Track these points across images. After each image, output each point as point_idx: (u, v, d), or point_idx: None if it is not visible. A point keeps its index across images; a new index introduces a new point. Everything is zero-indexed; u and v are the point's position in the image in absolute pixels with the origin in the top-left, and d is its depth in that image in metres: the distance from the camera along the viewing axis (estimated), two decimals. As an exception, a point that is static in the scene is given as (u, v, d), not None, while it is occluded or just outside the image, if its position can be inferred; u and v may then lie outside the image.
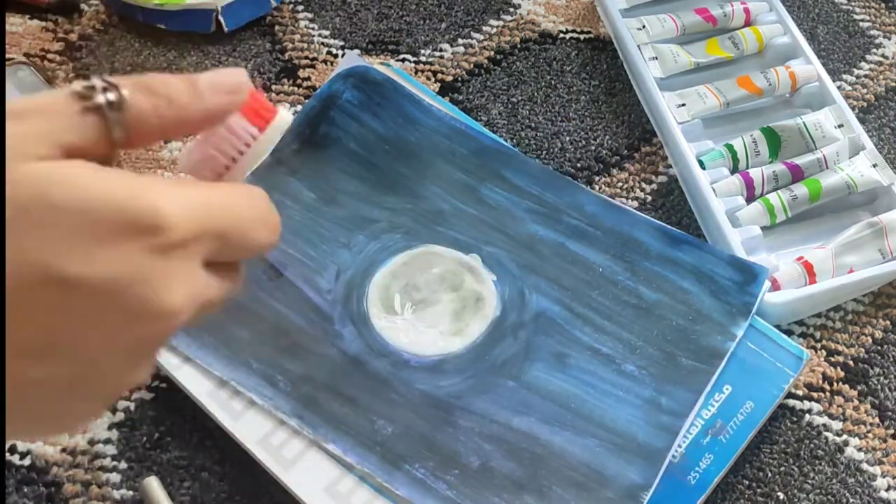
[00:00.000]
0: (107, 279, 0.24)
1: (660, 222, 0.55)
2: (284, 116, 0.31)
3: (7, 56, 0.62)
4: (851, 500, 0.49)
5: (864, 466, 0.50)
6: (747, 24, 0.66)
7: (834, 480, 0.50)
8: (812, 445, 0.51)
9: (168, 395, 0.50)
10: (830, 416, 0.52)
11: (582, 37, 0.68)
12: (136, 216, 0.25)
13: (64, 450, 0.48)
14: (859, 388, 0.53)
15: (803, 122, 0.60)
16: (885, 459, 0.51)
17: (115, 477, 0.48)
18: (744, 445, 0.48)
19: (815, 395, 0.53)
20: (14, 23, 0.65)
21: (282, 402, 0.47)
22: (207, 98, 0.29)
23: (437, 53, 0.66)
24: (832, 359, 0.54)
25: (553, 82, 0.65)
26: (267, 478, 0.46)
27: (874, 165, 0.58)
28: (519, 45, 0.67)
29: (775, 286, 0.53)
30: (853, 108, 0.63)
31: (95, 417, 0.33)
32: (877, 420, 0.52)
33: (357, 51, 0.66)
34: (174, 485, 0.47)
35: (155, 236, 0.25)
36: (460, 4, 0.69)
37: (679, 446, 0.48)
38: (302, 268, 0.52)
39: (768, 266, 0.53)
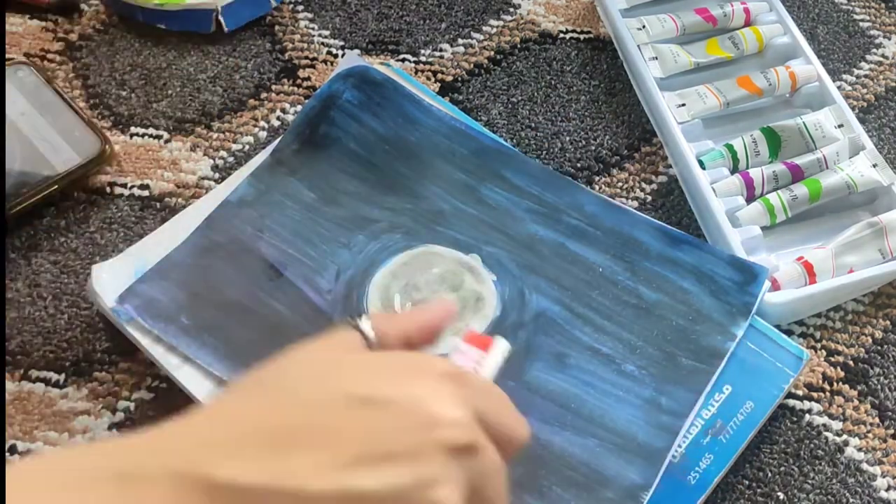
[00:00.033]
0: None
1: (660, 222, 0.55)
2: (502, 342, 0.38)
3: (7, 56, 0.62)
4: (851, 500, 0.49)
5: (864, 466, 0.50)
6: (747, 24, 0.66)
7: (834, 480, 0.50)
8: (812, 445, 0.51)
9: (168, 395, 0.50)
10: (830, 416, 0.52)
11: (582, 37, 0.68)
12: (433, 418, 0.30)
13: (64, 450, 0.48)
14: (859, 388, 0.53)
15: (803, 122, 0.60)
16: (885, 459, 0.51)
17: (115, 477, 0.48)
18: (744, 445, 0.48)
19: (815, 395, 0.53)
20: (14, 23, 0.65)
21: (282, 402, 0.47)
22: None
23: (437, 53, 0.66)
24: (832, 359, 0.54)
25: (553, 82, 0.65)
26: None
27: (874, 165, 0.58)
28: (519, 45, 0.67)
29: (775, 286, 0.53)
30: (853, 108, 0.63)
31: None
32: (877, 420, 0.52)
33: (357, 51, 0.66)
34: (174, 485, 0.47)
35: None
36: (460, 4, 0.69)
37: (679, 446, 0.48)
38: (302, 268, 0.52)
39: (768, 266, 0.53)
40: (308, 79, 0.64)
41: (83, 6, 0.67)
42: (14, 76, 0.59)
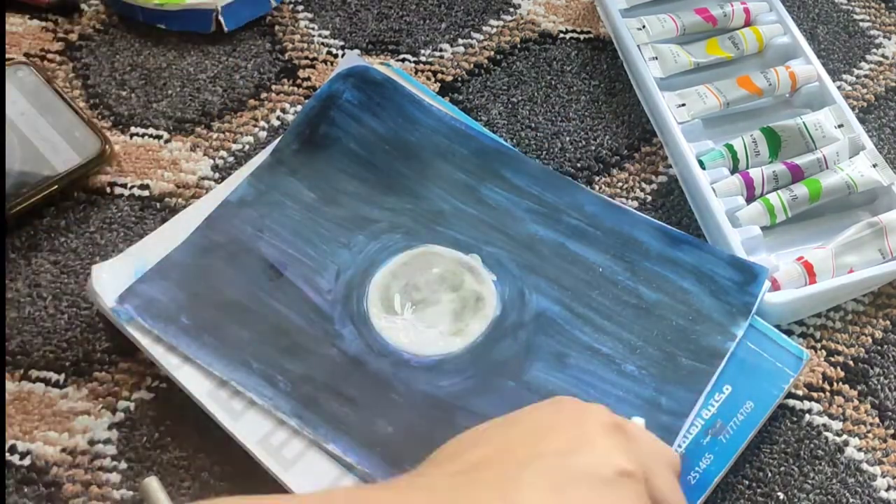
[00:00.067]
0: None
1: (660, 222, 0.55)
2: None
3: (7, 56, 0.62)
4: (851, 500, 0.49)
5: (864, 466, 0.50)
6: (747, 24, 0.66)
7: (834, 480, 0.50)
8: (812, 445, 0.51)
9: (168, 395, 0.50)
10: (830, 416, 0.52)
11: (582, 37, 0.68)
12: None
13: (64, 450, 0.48)
14: (859, 388, 0.53)
15: (803, 122, 0.60)
16: (885, 459, 0.51)
17: (115, 477, 0.48)
18: (744, 445, 0.48)
19: (815, 395, 0.53)
20: (14, 23, 0.65)
21: (282, 402, 0.47)
22: None
23: (437, 53, 0.66)
24: (832, 359, 0.54)
25: (553, 82, 0.65)
26: (267, 478, 0.46)
27: (874, 165, 0.58)
28: (519, 45, 0.67)
29: (775, 286, 0.53)
30: (853, 108, 0.63)
31: None
32: (877, 420, 0.52)
33: (357, 51, 0.66)
34: (174, 485, 0.47)
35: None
36: (460, 4, 0.69)
37: (679, 446, 0.48)
38: (302, 268, 0.52)
39: (768, 266, 0.53)
40: (308, 79, 0.64)
41: (83, 6, 0.67)
42: (14, 76, 0.59)
